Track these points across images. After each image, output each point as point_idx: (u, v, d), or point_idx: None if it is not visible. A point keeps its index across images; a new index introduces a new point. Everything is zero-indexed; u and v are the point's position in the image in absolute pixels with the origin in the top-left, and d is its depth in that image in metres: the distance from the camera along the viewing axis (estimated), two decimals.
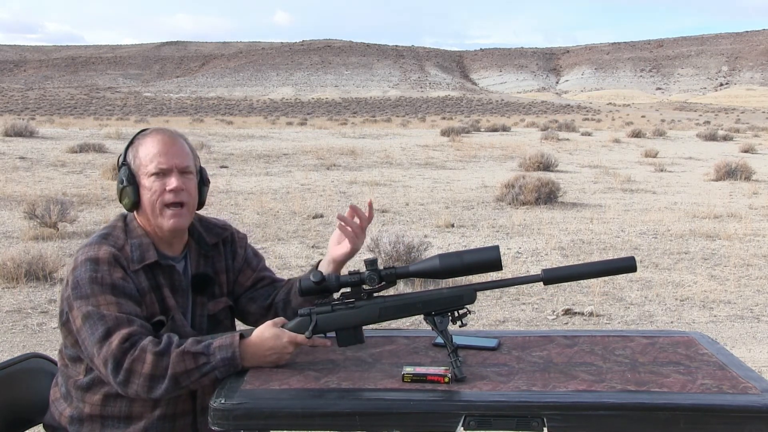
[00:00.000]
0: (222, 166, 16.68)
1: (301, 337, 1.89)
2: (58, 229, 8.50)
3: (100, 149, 19.33)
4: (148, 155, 1.99)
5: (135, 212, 2.04)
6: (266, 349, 1.87)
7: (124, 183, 1.99)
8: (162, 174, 1.98)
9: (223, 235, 2.18)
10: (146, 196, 1.99)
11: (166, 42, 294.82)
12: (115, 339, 1.83)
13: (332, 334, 1.94)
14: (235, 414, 1.66)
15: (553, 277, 1.88)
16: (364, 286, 1.92)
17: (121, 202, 2.03)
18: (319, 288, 1.91)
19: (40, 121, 41.33)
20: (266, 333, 1.89)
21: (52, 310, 5.73)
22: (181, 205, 2.00)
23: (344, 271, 2.05)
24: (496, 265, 1.85)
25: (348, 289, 1.94)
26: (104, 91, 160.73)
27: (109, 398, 1.96)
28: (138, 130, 2.10)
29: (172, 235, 2.04)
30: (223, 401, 1.68)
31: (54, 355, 2.23)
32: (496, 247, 1.85)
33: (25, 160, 16.75)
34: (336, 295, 1.98)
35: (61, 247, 7.79)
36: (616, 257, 2.24)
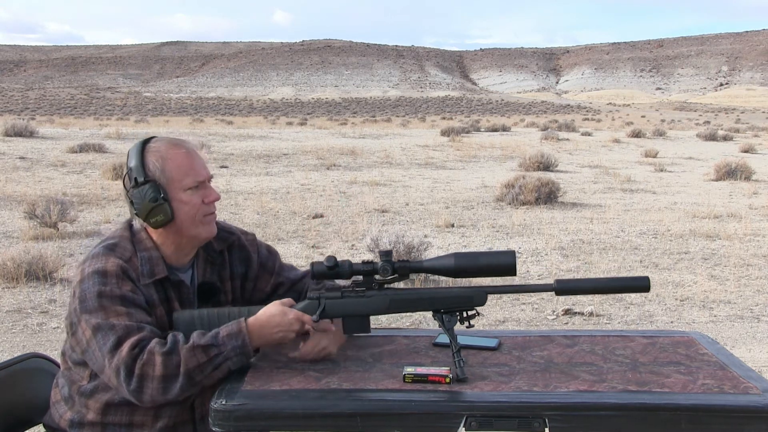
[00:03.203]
0: (222, 166, 16.68)
1: (307, 317, 1.89)
2: (58, 229, 8.50)
3: (100, 149, 19.34)
4: (180, 169, 1.95)
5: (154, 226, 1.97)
6: (273, 326, 1.86)
7: (159, 200, 1.92)
8: (198, 186, 1.98)
9: (230, 240, 2.14)
10: (184, 210, 1.95)
11: (166, 42, 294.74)
12: (125, 347, 1.80)
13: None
14: (236, 415, 1.66)
15: (565, 288, 1.89)
16: (376, 276, 1.92)
17: (148, 219, 1.94)
18: (331, 273, 1.90)
19: (40, 121, 41.32)
20: (273, 310, 1.88)
21: (52, 310, 5.73)
22: (213, 212, 2.02)
23: (358, 260, 2.04)
24: (511, 270, 1.84)
25: (360, 278, 1.94)
26: (104, 91, 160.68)
27: (110, 406, 1.94)
28: (139, 142, 2.01)
29: (203, 242, 2.04)
30: (223, 402, 1.67)
31: (54, 355, 2.23)
32: (513, 253, 1.85)
33: (25, 160, 16.75)
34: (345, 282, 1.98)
35: (61, 247, 7.79)
36: (630, 275, 2.23)
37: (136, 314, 1.86)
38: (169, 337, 1.84)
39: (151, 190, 1.92)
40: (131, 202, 1.96)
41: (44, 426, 2.10)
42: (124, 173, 1.99)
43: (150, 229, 1.99)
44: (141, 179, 1.94)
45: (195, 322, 1.92)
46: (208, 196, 1.99)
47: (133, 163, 1.96)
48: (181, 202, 1.95)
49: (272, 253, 2.22)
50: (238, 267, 2.14)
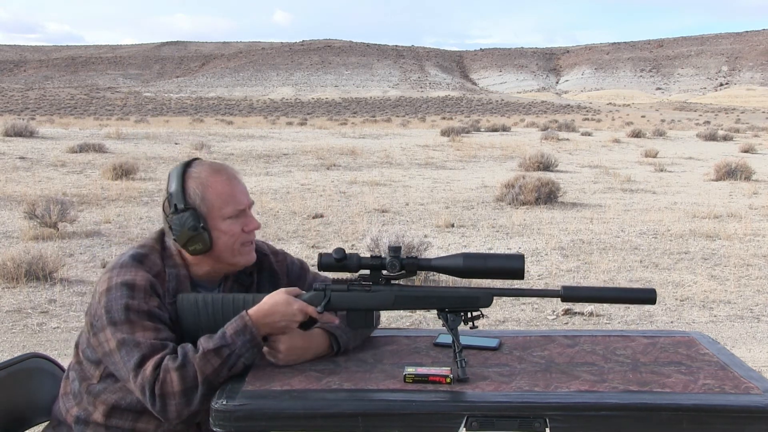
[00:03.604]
0: None
1: (311, 309, 1.88)
2: (58, 229, 8.50)
3: (100, 149, 19.34)
4: (221, 197, 1.93)
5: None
6: (276, 315, 1.85)
7: (198, 230, 1.90)
8: (238, 215, 1.96)
9: (260, 260, 2.10)
10: (223, 240, 1.93)
11: (166, 42, 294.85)
12: (149, 366, 1.79)
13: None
14: (237, 415, 1.65)
15: (572, 296, 1.88)
16: (383, 271, 1.91)
17: (186, 246, 1.92)
18: (338, 265, 1.89)
19: (40, 121, 41.32)
20: (278, 298, 1.87)
21: (52, 310, 5.72)
22: (252, 240, 2.00)
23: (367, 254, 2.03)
24: (519, 274, 1.84)
25: (367, 272, 1.93)
26: (104, 91, 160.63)
27: (116, 409, 1.93)
28: (180, 165, 1.98)
29: (239, 269, 2.02)
30: (224, 402, 1.67)
31: (54, 355, 2.23)
32: (522, 257, 1.85)
33: (25, 160, 16.75)
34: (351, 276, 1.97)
35: (61, 247, 7.79)
36: (638, 287, 2.23)
37: (161, 331, 1.85)
38: (179, 350, 1.82)
39: (190, 219, 1.91)
40: (170, 228, 1.94)
41: (51, 418, 2.10)
42: (164, 198, 1.97)
43: (190, 254, 1.97)
44: (181, 206, 1.92)
45: (199, 305, 1.91)
46: (248, 224, 1.97)
47: (173, 188, 1.94)
48: (220, 232, 1.93)
49: (304, 270, 2.19)
50: (267, 289, 2.09)
